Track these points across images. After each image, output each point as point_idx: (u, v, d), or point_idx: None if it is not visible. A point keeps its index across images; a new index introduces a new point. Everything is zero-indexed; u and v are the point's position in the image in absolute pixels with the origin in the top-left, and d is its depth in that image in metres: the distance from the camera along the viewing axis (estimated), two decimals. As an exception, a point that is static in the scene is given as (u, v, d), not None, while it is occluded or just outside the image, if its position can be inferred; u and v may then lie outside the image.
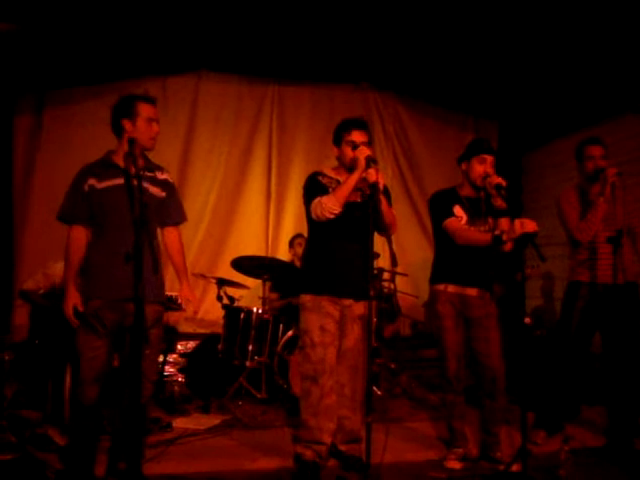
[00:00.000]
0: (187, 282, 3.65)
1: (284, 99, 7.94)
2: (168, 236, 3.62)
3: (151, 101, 3.43)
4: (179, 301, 3.58)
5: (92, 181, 3.35)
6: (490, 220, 3.91)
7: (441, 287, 3.97)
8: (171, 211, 3.59)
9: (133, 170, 3.15)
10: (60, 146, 6.99)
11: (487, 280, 3.95)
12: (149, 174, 3.45)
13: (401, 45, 6.65)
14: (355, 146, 3.65)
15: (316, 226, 3.76)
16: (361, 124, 3.81)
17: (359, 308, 3.79)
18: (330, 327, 3.69)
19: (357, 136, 3.74)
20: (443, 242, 3.99)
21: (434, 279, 4.06)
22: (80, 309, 3.30)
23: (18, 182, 6.92)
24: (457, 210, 3.93)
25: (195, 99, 7.59)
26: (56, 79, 6.77)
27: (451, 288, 3.94)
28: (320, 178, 3.82)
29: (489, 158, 3.88)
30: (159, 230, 3.60)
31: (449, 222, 3.89)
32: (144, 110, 3.36)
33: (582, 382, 4.61)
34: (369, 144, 3.75)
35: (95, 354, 3.26)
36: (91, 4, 5.58)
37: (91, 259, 3.39)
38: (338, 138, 3.82)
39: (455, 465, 3.89)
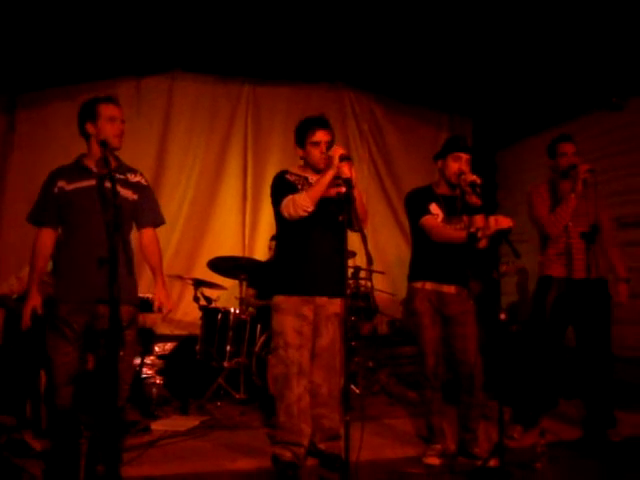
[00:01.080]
0: (163, 283, 3.62)
1: (259, 99, 7.93)
2: (144, 237, 3.60)
3: (111, 100, 3.44)
4: (155, 303, 3.56)
5: (61, 183, 3.39)
6: (465, 218, 3.94)
7: (419, 285, 4.00)
8: (145, 213, 3.58)
9: (105, 172, 3.16)
10: (33, 148, 6.92)
11: (464, 277, 3.99)
12: (120, 176, 3.45)
13: (375, 44, 6.69)
14: (328, 147, 3.68)
15: (287, 224, 3.74)
16: (323, 123, 3.81)
17: (334, 306, 3.78)
18: (305, 329, 3.69)
19: (321, 136, 3.75)
20: (420, 240, 4.01)
21: (412, 277, 4.09)
22: (39, 312, 3.31)
23: (-10, 184, 6.85)
24: (433, 208, 3.96)
25: (170, 99, 7.56)
26: (29, 80, 6.70)
27: (429, 285, 3.97)
28: (288, 176, 3.82)
29: (464, 156, 3.91)
30: (135, 232, 3.60)
31: (425, 220, 3.92)
32: (104, 110, 3.38)
33: (559, 375, 4.67)
34: (332, 142, 3.76)
35: (66, 359, 3.28)
36: (64, 5, 5.53)
37: (61, 262, 3.41)
38: (301, 139, 3.82)
39: (434, 461, 3.92)
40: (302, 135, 3.81)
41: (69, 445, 3.35)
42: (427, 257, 4.01)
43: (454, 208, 3.97)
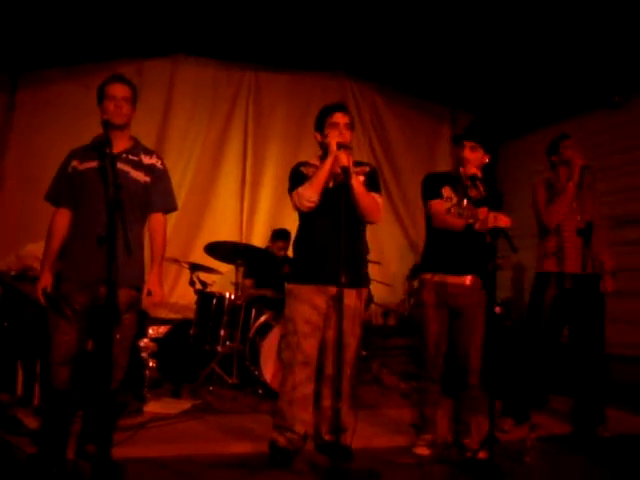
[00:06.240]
0: (158, 271, 3.57)
1: (261, 86, 7.90)
2: (151, 222, 3.57)
3: (113, 79, 3.44)
4: (144, 288, 3.53)
5: (75, 163, 3.41)
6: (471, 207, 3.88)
7: (428, 276, 3.95)
8: (155, 197, 3.54)
9: (108, 152, 3.14)
10: (33, 127, 6.89)
11: (474, 269, 3.92)
12: (133, 157, 3.45)
13: (378, 34, 6.67)
14: (349, 129, 3.70)
15: (300, 216, 3.84)
16: (341, 107, 3.82)
17: (348, 298, 3.63)
18: (313, 318, 3.68)
19: (340, 117, 3.73)
20: (430, 228, 3.98)
21: (422, 268, 4.06)
22: (48, 291, 3.32)
23: (-11, 162, 6.84)
24: (446, 191, 3.89)
25: (171, 83, 7.52)
26: (30, 60, 6.67)
27: (437, 277, 3.91)
28: (303, 169, 3.80)
29: (469, 144, 3.86)
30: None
31: (432, 203, 3.87)
32: (106, 90, 3.40)
33: (550, 372, 4.70)
34: (351, 126, 3.76)
35: (65, 338, 3.28)
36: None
37: (67, 241, 3.41)
38: (320, 123, 3.79)
39: (424, 451, 3.93)
40: (321, 119, 3.79)
41: (60, 424, 3.36)
42: (436, 247, 3.97)
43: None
